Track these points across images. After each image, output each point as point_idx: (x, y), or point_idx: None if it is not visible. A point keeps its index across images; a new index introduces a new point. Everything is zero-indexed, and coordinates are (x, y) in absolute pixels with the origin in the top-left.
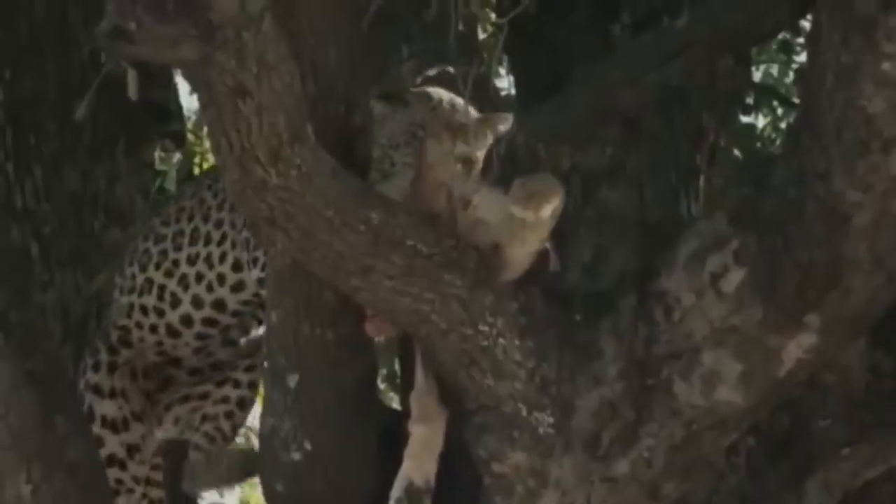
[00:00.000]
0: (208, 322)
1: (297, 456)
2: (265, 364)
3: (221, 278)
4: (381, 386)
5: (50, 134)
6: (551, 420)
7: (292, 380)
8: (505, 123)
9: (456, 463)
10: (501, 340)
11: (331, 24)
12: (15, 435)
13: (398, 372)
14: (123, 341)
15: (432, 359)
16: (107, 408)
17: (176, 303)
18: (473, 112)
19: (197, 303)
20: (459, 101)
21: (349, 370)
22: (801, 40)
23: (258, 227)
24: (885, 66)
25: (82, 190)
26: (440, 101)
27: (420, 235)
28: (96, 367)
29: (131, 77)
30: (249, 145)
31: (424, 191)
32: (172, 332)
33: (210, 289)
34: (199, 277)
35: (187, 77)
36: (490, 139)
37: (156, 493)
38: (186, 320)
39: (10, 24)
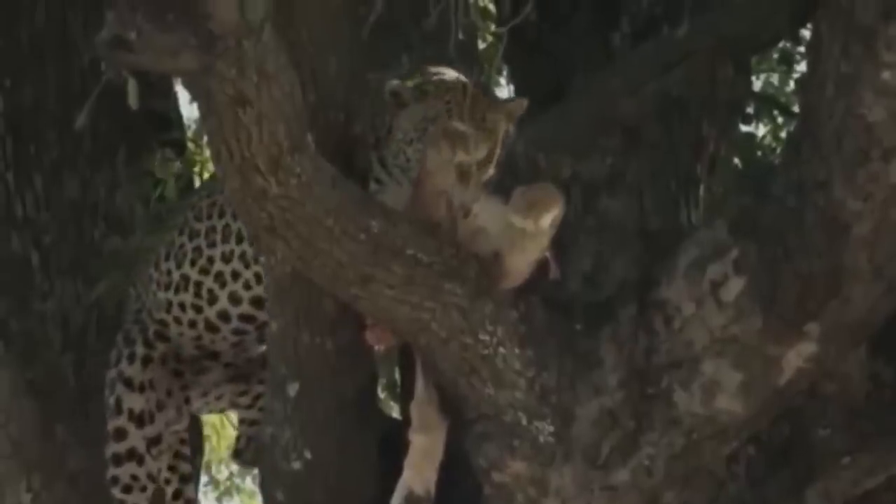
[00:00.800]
0: (246, 318)
1: (297, 465)
2: None
3: (259, 276)
4: (382, 395)
5: (50, 143)
6: (551, 429)
7: (292, 388)
8: (520, 109)
9: (456, 472)
10: (502, 349)
11: (331, 34)
12: (15, 443)
13: (398, 381)
14: (161, 336)
15: (432, 368)
16: (135, 401)
17: (213, 300)
18: (490, 96)
19: (235, 299)
20: (475, 87)
21: (349, 379)
22: (801, 49)
23: (258, 236)
24: (885, 75)
25: (82, 198)
26: (455, 87)
27: (420, 244)
28: (131, 359)
29: (131, 86)
30: (249, 154)
31: (424, 199)
32: (211, 328)
33: (248, 286)
34: (236, 275)
35: (187, 86)
36: (506, 126)
37: (185, 466)
38: (224, 316)
39: (10, 32)
